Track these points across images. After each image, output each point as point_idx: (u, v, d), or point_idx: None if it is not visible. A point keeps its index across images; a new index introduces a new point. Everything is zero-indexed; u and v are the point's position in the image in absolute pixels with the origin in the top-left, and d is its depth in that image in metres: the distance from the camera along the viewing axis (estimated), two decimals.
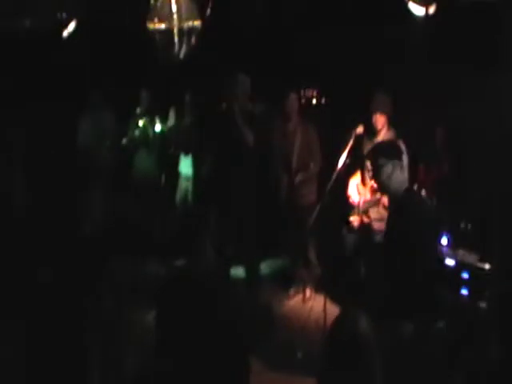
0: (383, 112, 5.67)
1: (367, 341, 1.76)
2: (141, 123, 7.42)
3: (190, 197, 6.77)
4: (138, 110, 7.51)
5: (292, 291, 6.32)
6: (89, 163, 7.13)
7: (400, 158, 4.34)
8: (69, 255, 5.13)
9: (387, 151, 4.21)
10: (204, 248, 5.90)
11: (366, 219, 5.71)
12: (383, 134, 5.70)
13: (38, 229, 5.69)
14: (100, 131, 7.37)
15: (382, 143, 5.00)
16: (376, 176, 4.20)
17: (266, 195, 6.07)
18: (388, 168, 3.95)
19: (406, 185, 4.09)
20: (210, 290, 2.19)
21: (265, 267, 6.63)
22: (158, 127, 7.37)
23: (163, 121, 7.38)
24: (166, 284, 2.23)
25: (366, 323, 1.79)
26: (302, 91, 6.78)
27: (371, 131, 5.72)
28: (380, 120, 5.68)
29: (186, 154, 6.51)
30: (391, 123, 5.75)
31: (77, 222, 6.43)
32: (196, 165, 6.25)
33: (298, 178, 6.14)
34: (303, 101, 6.61)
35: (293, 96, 6.14)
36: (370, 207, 5.69)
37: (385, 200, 5.47)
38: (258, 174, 5.77)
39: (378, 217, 5.64)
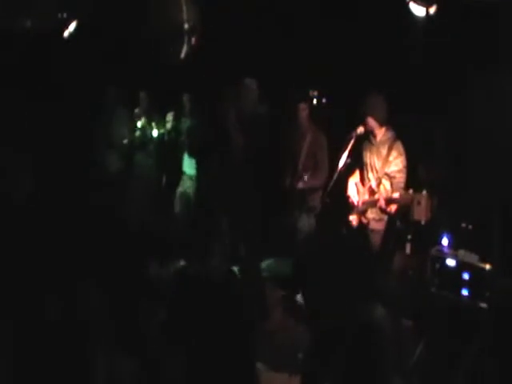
0: (373, 115, 5.64)
1: (381, 329, 1.75)
2: (140, 124, 7.42)
3: (192, 196, 6.77)
4: (138, 111, 7.49)
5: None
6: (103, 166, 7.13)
7: None
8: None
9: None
10: (211, 249, 5.90)
11: (363, 219, 5.72)
12: (382, 135, 5.69)
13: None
14: (110, 131, 7.38)
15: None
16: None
17: (270, 196, 6.11)
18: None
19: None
20: (217, 290, 2.20)
21: (267, 267, 6.61)
22: (158, 128, 7.37)
23: (164, 121, 7.37)
24: (176, 285, 2.23)
25: (380, 313, 1.78)
26: (309, 93, 6.84)
27: (371, 132, 5.71)
28: (371, 122, 5.66)
29: (190, 154, 6.51)
30: (390, 124, 5.74)
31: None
32: (199, 165, 6.25)
33: (300, 183, 6.22)
34: (310, 104, 6.68)
35: (303, 106, 6.32)
36: (368, 208, 5.69)
37: (382, 202, 5.47)
38: (262, 174, 5.79)
39: (376, 217, 5.65)
